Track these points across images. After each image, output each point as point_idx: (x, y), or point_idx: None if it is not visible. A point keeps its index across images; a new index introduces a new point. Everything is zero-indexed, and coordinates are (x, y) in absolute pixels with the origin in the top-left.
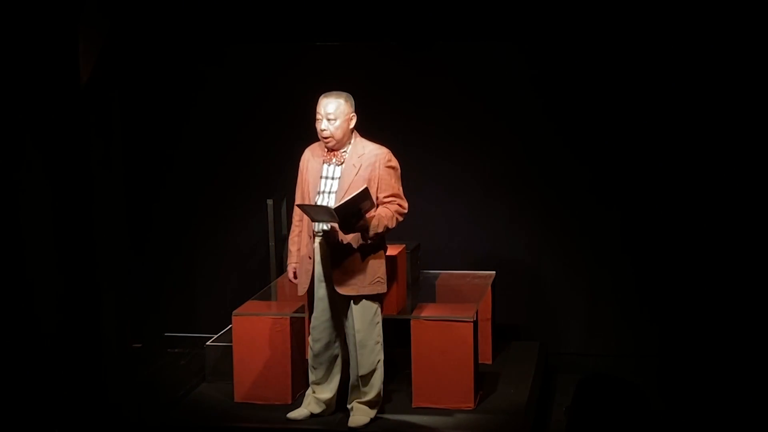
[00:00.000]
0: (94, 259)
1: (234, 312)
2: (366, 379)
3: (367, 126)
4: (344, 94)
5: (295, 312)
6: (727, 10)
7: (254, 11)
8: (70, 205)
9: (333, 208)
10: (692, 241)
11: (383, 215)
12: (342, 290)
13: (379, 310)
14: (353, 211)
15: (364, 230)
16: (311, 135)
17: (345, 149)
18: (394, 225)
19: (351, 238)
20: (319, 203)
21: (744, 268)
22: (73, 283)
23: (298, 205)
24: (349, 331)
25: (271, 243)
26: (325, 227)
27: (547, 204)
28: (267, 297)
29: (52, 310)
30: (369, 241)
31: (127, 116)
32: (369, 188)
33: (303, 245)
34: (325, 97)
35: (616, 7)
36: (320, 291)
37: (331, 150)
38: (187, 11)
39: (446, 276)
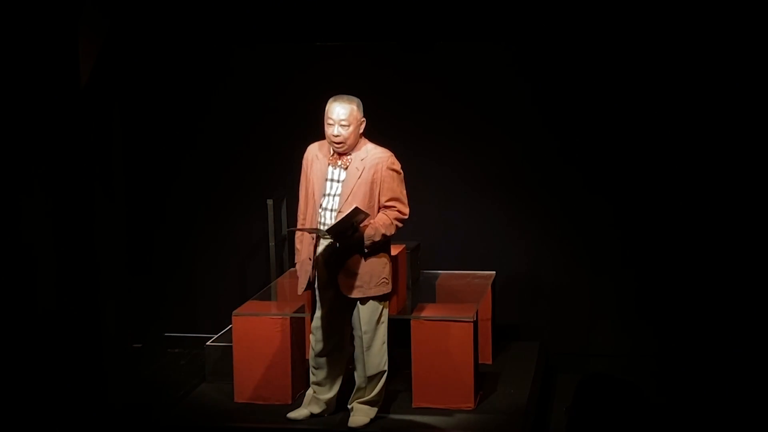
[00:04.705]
0: (95, 259)
1: (234, 312)
2: (373, 379)
3: (367, 126)
4: (354, 98)
5: (295, 312)
6: (726, 9)
7: (254, 12)
8: (71, 206)
9: (324, 231)
10: (691, 242)
11: (380, 224)
12: (348, 293)
13: (386, 310)
14: (346, 226)
15: (359, 241)
16: (311, 135)
17: (351, 153)
18: (393, 232)
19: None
20: (324, 205)
21: (740, 269)
22: (74, 284)
23: (289, 230)
24: (355, 332)
25: (271, 243)
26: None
27: (547, 204)
28: (267, 297)
29: (53, 310)
30: (366, 250)
31: (128, 117)
32: (371, 191)
33: (304, 246)
34: (336, 102)
35: (622, 10)
36: (325, 293)
37: (341, 154)
38: (185, 13)
39: (446, 276)
